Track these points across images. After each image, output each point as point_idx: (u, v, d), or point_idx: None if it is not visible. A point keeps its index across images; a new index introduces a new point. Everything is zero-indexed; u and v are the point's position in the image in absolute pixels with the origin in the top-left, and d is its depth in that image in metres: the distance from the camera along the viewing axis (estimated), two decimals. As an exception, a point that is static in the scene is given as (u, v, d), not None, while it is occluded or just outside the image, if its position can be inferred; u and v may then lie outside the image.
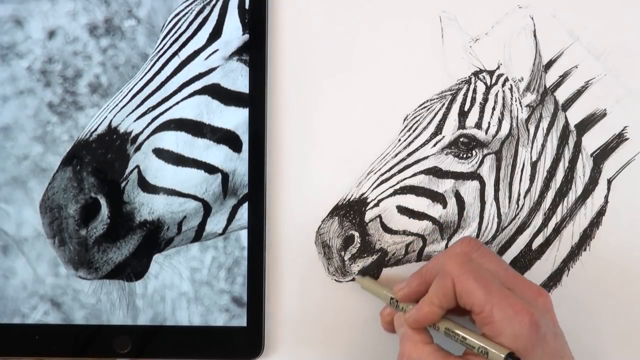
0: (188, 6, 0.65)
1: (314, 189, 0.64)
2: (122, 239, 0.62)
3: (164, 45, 0.64)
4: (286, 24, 0.65)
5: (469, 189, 0.64)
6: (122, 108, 0.63)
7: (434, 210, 0.63)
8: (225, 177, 0.63)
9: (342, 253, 0.63)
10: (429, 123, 0.64)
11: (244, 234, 0.63)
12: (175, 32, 0.64)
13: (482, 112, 0.64)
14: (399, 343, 0.57)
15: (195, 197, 0.63)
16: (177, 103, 0.63)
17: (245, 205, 0.63)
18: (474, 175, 0.64)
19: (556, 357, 0.53)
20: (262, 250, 0.63)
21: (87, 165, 0.63)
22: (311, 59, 0.65)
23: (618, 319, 0.63)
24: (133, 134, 0.63)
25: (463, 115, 0.64)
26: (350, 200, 0.64)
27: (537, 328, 0.51)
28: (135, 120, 0.63)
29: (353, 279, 0.63)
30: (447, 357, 0.54)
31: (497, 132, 0.64)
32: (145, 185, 0.63)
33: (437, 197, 0.63)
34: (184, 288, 0.63)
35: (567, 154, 0.64)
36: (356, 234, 0.63)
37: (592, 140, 0.64)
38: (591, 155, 0.64)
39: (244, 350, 0.62)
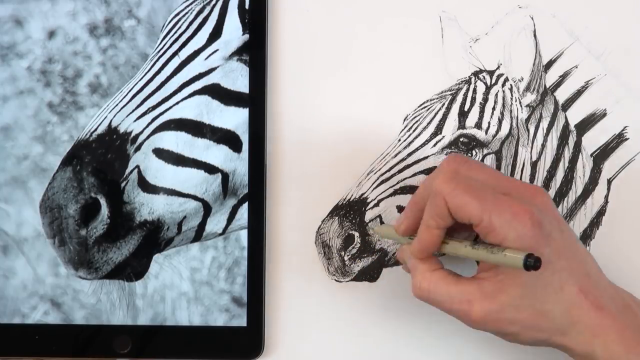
0: (188, 6, 0.65)
1: (314, 189, 0.64)
2: (122, 239, 0.62)
3: (164, 45, 0.64)
4: (286, 24, 0.65)
5: (469, 189, 0.63)
6: (122, 108, 0.63)
7: (434, 210, 0.63)
8: (225, 177, 0.63)
9: (342, 253, 0.63)
10: (429, 123, 0.64)
11: (244, 234, 0.63)
12: (175, 32, 0.64)
13: (482, 112, 0.64)
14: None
15: (195, 197, 0.63)
16: (177, 103, 0.63)
17: (245, 205, 0.63)
18: (474, 175, 0.63)
19: (567, 253, 0.51)
20: (262, 250, 0.63)
21: (87, 165, 0.63)
22: (311, 59, 0.65)
23: (618, 319, 0.63)
24: (133, 134, 0.63)
25: (463, 115, 0.64)
26: (350, 200, 0.64)
27: (540, 226, 0.50)
28: (135, 120, 0.63)
29: (368, 233, 0.62)
30: (458, 280, 0.53)
31: (497, 132, 0.64)
32: (145, 185, 0.63)
33: (437, 197, 0.63)
34: (184, 288, 0.63)
35: (567, 154, 0.64)
36: (356, 234, 0.63)
37: (592, 140, 0.64)
38: (591, 155, 0.64)
39: (244, 350, 0.62)
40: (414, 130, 0.64)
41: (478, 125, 0.64)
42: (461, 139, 0.64)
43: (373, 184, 0.64)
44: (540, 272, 0.49)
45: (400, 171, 0.64)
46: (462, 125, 0.64)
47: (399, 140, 0.64)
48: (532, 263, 0.48)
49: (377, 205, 0.63)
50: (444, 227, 0.53)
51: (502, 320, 0.51)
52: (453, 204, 0.51)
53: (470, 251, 0.52)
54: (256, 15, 0.64)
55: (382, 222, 0.63)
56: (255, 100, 0.63)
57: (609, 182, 0.64)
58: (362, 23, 0.65)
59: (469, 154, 0.64)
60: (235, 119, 0.63)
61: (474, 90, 0.64)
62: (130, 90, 0.64)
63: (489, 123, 0.64)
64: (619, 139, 0.64)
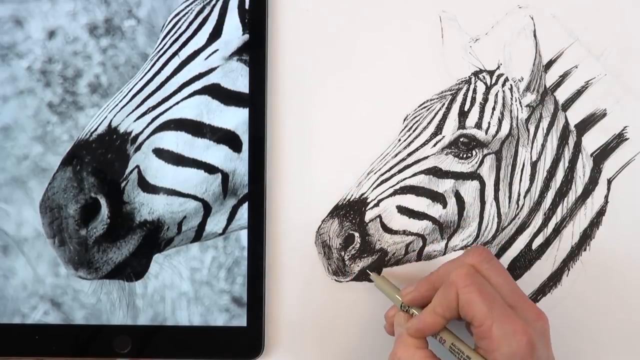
0: (188, 6, 0.65)
1: (314, 189, 0.64)
2: (122, 239, 0.62)
3: (164, 45, 0.64)
4: (286, 24, 0.65)
5: (469, 189, 0.64)
6: (122, 108, 0.63)
7: (434, 210, 0.63)
8: (225, 177, 0.63)
9: (342, 253, 0.63)
10: (429, 123, 0.64)
11: (244, 234, 0.63)
12: (175, 32, 0.64)
13: (482, 112, 0.64)
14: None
15: (195, 197, 0.63)
16: (177, 103, 0.63)
17: (245, 205, 0.63)
18: (474, 175, 0.64)
19: None
20: (262, 250, 0.63)
21: (87, 165, 0.63)
22: (311, 59, 0.65)
23: (618, 318, 0.63)
24: (133, 134, 0.63)
25: (463, 115, 0.64)
26: (350, 200, 0.64)
27: (533, 350, 0.51)
28: (135, 120, 0.63)
29: (367, 275, 0.63)
30: None
31: (497, 132, 0.64)
32: (145, 185, 0.63)
33: (437, 197, 0.63)
34: (184, 288, 0.63)
35: (567, 154, 0.64)
36: (356, 234, 0.63)
37: (592, 140, 0.64)
38: (591, 155, 0.64)
39: (244, 350, 0.62)
40: (414, 130, 0.64)
41: (478, 125, 0.64)
42: (461, 139, 0.64)
43: (373, 184, 0.64)
44: None
45: (400, 171, 0.64)
46: (462, 125, 0.64)
47: (399, 140, 0.64)
48: None
49: (377, 205, 0.63)
50: (449, 317, 0.55)
51: None
52: (463, 300, 0.53)
53: (457, 348, 0.55)
54: (256, 15, 0.64)
55: (382, 224, 0.63)
56: (255, 100, 0.63)
57: (609, 182, 0.64)
58: (362, 23, 0.65)
59: (469, 154, 0.64)
60: (235, 119, 0.63)
61: (474, 90, 0.64)
62: (130, 90, 0.64)
63: (489, 123, 0.64)
64: (619, 139, 0.64)
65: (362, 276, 0.63)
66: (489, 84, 0.64)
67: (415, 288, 0.58)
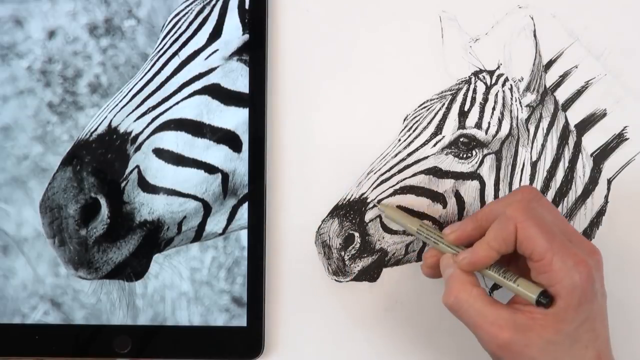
0: (188, 6, 0.65)
1: (314, 189, 0.64)
2: (122, 239, 0.62)
3: (164, 45, 0.64)
4: (286, 24, 0.65)
5: (469, 189, 0.64)
6: (122, 108, 0.63)
7: (434, 210, 0.63)
8: (225, 177, 0.63)
9: (342, 253, 0.63)
10: (429, 123, 0.64)
11: (244, 234, 0.63)
12: (175, 32, 0.64)
13: (482, 112, 0.64)
14: (444, 284, 0.55)
15: (195, 197, 0.63)
16: (177, 103, 0.63)
17: (245, 205, 0.63)
18: (474, 175, 0.64)
19: (601, 316, 0.53)
20: (262, 250, 0.63)
21: (87, 165, 0.63)
22: (311, 59, 0.65)
23: (618, 318, 0.63)
24: (133, 134, 0.63)
25: (463, 115, 0.64)
26: (350, 200, 0.64)
27: (593, 283, 0.51)
28: (135, 120, 0.63)
29: (374, 206, 0.62)
30: (494, 303, 0.53)
31: (497, 132, 0.64)
32: (145, 185, 0.63)
33: (437, 197, 0.63)
34: (184, 288, 0.63)
35: (567, 154, 0.64)
36: (356, 234, 0.63)
37: (592, 140, 0.64)
38: (591, 155, 0.64)
39: (244, 350, 0.62)
40: (414, 130, 0.64)
41: (478, 125, 0.64)
42: (461, 139, 0.64)
43: (373, 184, 0.64)
44: (579, 324, 0.51)
45: (400, 171, 0.64)
46: (462, 125, 0.64)
47: (399, 140, 0.64)
48: (545, 301, 0.52)
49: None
50: (504, 251, 0.54)
51: (522, 355, 0.52)
52: (523, 233, 0.53)
53: (497, 277, 0.55)
54: (256, 15, 0.64)
55: (382, 224, 0.63)
56: (255, 100, 0.63)
57: (609, 182, 0.64)
58: (362, 23, 0.65)
59: (469, 154, 0.64)
60: (235, 119, 0.63)
61: (474, 90, 0.64)
62: (130, 90, 0.64)
63: (489, 123, 0.64)
64: (619, 139, 0.64)
65: (362, 276, 0.63)
66: (489, 84, 0.64)
67: (460, 227, 0.57)
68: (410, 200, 0.63)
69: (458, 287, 0.54)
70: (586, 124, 0.64)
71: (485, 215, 0.56)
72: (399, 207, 0.63)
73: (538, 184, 0.64)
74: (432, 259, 0.58)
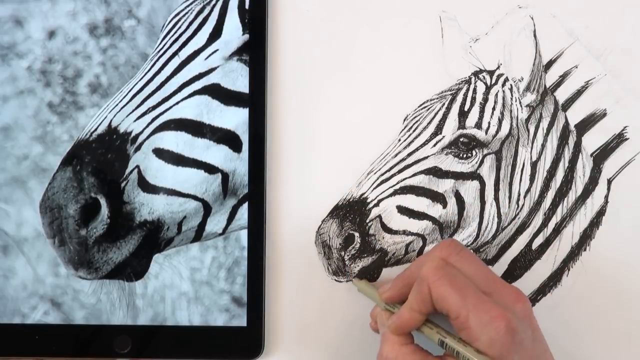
0: (188, 6, 0.65)
1: (314, 189, 0.64)
2: (122, 239, 0.62)
3: (164, 45, 0.64)
4: (286, 24, 0.65)
5: (469, 189, 0.64)
6: (122, 108, 0.63)
7: (434, 210, 0.63)
8: (225, 177, 0.63)
9: (342, 253, 0.63)
10: (429, 123, 0.64)
11: (244, 234, 0.63)
12: (175, 32, 0.64)
13: (482, 112, 0.64)
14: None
15: (195, 197, 0.63)
16: (177, 103, 0.63)
17: (245, 205, 0.63)
18: (474, 175, 0.64)
19: None
20: (262, 250, 0.63)
21: (87, 165, 0.63)
22: (311, 59, 0.65)
23: (618, 318, 0.63)
24: (133, 134, 0.63)
25: (463, 115, 0.64)
26: (350, 200, 0.64)
27: (514, 333, 0.51)
28: (135, 120, 0.63)
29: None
30: (426, 358, 0.55)
31: (497, 132, 0.64)
32: (145, 185, 0.63)
33: (437, 197, 0.63)
34: (184, 288, 0.63)
35: (567, 154, 0.64)
36: (356, 234, 0.63)
37: (592, 140, 0.64)
38: (591, 155, 0.64)
39: (244, 350, 0.62)
40: (414, 130, 0.64)
41: (478, 125, 0.64)
42: (461, 139, 0.64)
43: (373, 184, 0.64)
44: None
45: (400, 171, 0.64)
46: (462, 125, 0.64)
47: (399, 140, 0.64)
48: None
49: (377, 205, 0.63)
50: (425, 312, 0.55)
51: None
52: (436, 293, 0.53)
53: (440, 340, 0.55)
54: (256, 15, 0.64)
55: (382, 224, 0.63)
56: (255, 100, 0.64)
57: (609, 182, 0.64)
58: (362, 23, 0.65)
59: (469, 154, 0.64)
60: (235, 119, 0.63)
61: (474, 90, 0.64)
62: (130, 90, 0.64)
63: (489, 123, 0.64)
64: (619, 139, 0.64)
65: (362, 276, 0.63)
66: (489, 84, 0.64)
67: (391, 286, 0.58)
68: (410, 200, 0.63)
69: (388, 348, 0.56)
70: (586, 124, 0.64)
71: (411, 273, 0.57)
72: (400, 208, 0.63)
73: (538, 184, 0.64)
74: (373, 324, 0.60)
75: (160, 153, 0.63)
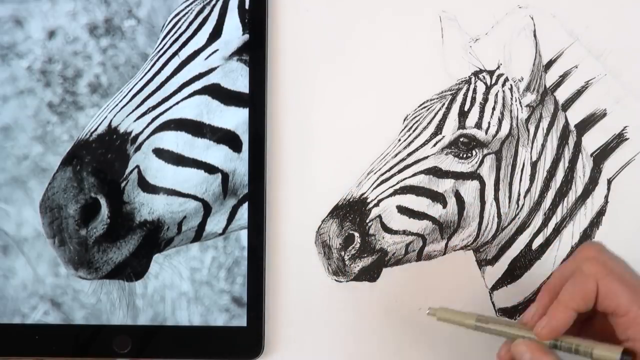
0: (188, 6, 0.65)
1: (314, 189, 0.64)
2: (122, 239, 0.62)
3: (164, 45, 0.64)
4: (286, 24, 0.65)
5: (469, 189, 0.64)
6: (122, 108, 0.63)
7: (434, 210, 0.63)
8: (225, 177, 0.63)
9: (342, 253, 0.63)
10: (429, 123, 0.64)
11: (244, 234, 0.63)
12: (175, 32, 0.64)
13: (482, 112, 0.64)
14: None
15: (195, 197, 0.63)
16: (177, 103, 0.63)
17: (245, 205, 0.63)
18: (474, 175, 0.64)
19: None
20: (262, 250, 0.63)
21: (87, 165, 0.63)
22: (311, 59, 0.65)
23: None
24: (133, 134, 0.63)
25: (463, 115, 0.64)
26: (350, 200, 0.64)
27: None
28: (135, 120, 0.63)
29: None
30: None
31: (497, 132, 0.64)
32: (145, 185, 0.63)
33: (437, 197, 0.63)
34: (184, 288, 0.63)
35: (567, 154, 0.64)
36: (356, 234, 0.63)
37: (592, 140, 0.64)
38: (591, 155, 0.64)
39: (244, 350, 0.62)
40: (414, 130, 0.64)
41: (478, 125, 0.64)
42: (461, 139, 0.64)
43: (373, 184, 0.64)
44: None
45: (400, 171, 0.64)
46: (462, 125, 0.64)
47: (399, 140, 0.64)
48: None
49: (377, 205, 0.63)
50: (583, 310, 0.51)
51: None
52: (605, 289, 0.51)
53: (572, 346, 0.51)
54: (256, 15, 0.64)
55: (382, 224, 0.63)
56: (255, 100, 0.63)
57: (609, 182, 0.64)
58: (362, 23, 0.65)
59: (469, 154, 0.64)
60: (235, 119, 0.63)
61: (474, 90, 0.64)
62: (130, 90, 0.64)
63: (489, 123, 0.64)
64: (619, 139, 0.64)
65: (362, 276, 0.63)
66: (489, 84, 0.64)
67: (537, 306, 0.53)
68: (410, 200, 0.63)
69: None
70: (586, 124, 0.64)
71: (556, 281, 0.53)
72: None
73: (538, 184, 0.64)
74: (507, 355, 0.53)
75: (160, 153, 0.63)
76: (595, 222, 0.64)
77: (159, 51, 0.64)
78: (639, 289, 0.51)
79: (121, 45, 0.65)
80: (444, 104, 0.64)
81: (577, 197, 0.64)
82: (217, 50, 0.64)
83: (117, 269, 0.62)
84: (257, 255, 0.63)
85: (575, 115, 0.64)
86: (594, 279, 0.51)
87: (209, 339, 0.63)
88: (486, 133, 0.64)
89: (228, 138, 0.63)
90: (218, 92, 0.64)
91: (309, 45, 0.65)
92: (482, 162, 0.64)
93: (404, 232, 0.63)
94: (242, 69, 0.64)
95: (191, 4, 0.65)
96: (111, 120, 0.63)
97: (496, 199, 0.63)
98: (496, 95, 0.64)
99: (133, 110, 0.63)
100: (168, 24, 0.65)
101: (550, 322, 0.51)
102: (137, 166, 0.63)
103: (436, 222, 0.63)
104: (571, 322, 0.51)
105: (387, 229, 0.63)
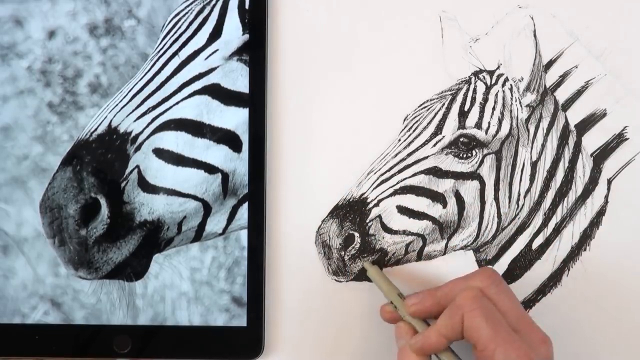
0: (188, 6, 0.65)
1: (314, 189, 0.64)
2: (122, 239, 0.62)
3: (164, 45, 0.64)
4: (286, 24, 0.65)
5: (469, 189, 0.64)
6: (122, 108, 0.63)
7: (434, 210, 0.63)
8: (225, 177, 0.63)
9: (342, 253, 0.63)
10: (429, 123, 0.64)
11: (244, 234, 0.63)
12: (175, 32, 0.64)
13: (482, 112, 0.64)
14: (396, 352, 0.57)
15: (195, 197, 0.63)
16: (177, 103, 0.63)
17: (245, 205, 0.63)
18: (474, 175, 0.64)
19: None
20: (262, 250, 0.63)
21: (87, 165, 0.63)
22: (311, 59, 0.65)
23: (618, 318, 0.63)
24: (133, 134, 0.63)
25: (463, 115, 0.64)
26: (350, 200, 0.64)
27: None
28: (135, 120, 0.63)
29: (363, 269, 0.63)
30: None
31: (497, 132, 0.64)
32: (145, 185, 0.63)
33: (437, 197, 0.63)
34: (184, 288, 0.63)
35: (567, 154, 0.64)
36: (356, 234, 0.63)
37: (592, 140, 0.64)
38: (591, 155, 0.64)
39: (244, 350, 0.62)
40: (414, 130, 0.64)
41: (478, 125, 0.64)
42: (461, 139, 0.64)
43: (373, 184, 0.64)
44: None
45: (400, 171, 0.64)
46: (462, 125, 0.64)
47: (399, 140, 0.64)
48: None
49: (377, 205, 0.63)
50: (453, 338, 0.55)
51: None
52: (468, 323, 0.54)
53: None
54: (256, 15, 0.64)
55: (382, 224, 0.63)
56: (255, 100, 0.64)
57: (609, 182, 0.64)
58: (362, 23, 0.65)
59: (469, 154, 0.64)
60: (235, 119, 0.63)
61: (474, 90, 0.64)
62: (130, 90, 0.64)
63: (489, 123, 0.64)
64: (619, 139, 0.64)
65: (362, 276, 0.63)
66: (489, 84, 0.64)
67: (420, 301, 0.58)
68: (410, 200, 0.63)
69: None
70: (586, 124, 0.64)
71: (443, 294, 0.57)
72: (401, 207, 0.63)
73: (538, 184, 0.64)
74: (388, 315, 0.60)
75: (160, 153, 0.63)
76: (595, 222, 0.64)
77: (159, 51, 0.64)
78: (502, 328, 0.53)
79: (121, 45, 0.65)
80: (444, 104, 0.64)
81: (577, 197, 0.64)
82: (217, 50, 0.64)
83: (117, 269, 0.62)
84: (257, 255, 0.63)
85: (575, 115, 0.64)
86: (461, 311, 0.54)
87: (209, 339, 0.63)
88: (486, 133, 0.64)
89: (228, 138, 0.63)
90: (218, 92, 0.64)
91: (309, 45, 0.65)
92: (482, 162, 0.64)
93: (404, 232, 0.63)
94: (242, 69, 0.64)
95: (191, 4, 0.65)
96: (111, 120, 0.63)
97: (496, 199, 0.64)
98: (496, 95, 0.64)
99: (133, 110, 0.63)
100: (168, 24, 0.65)
101: (423, 341, 0.56)
102: (137, 166, 0.63)
103: (436, 222, 0.63)
104: (442, 346, 0.56)
105: (387, 229, 0.63)
